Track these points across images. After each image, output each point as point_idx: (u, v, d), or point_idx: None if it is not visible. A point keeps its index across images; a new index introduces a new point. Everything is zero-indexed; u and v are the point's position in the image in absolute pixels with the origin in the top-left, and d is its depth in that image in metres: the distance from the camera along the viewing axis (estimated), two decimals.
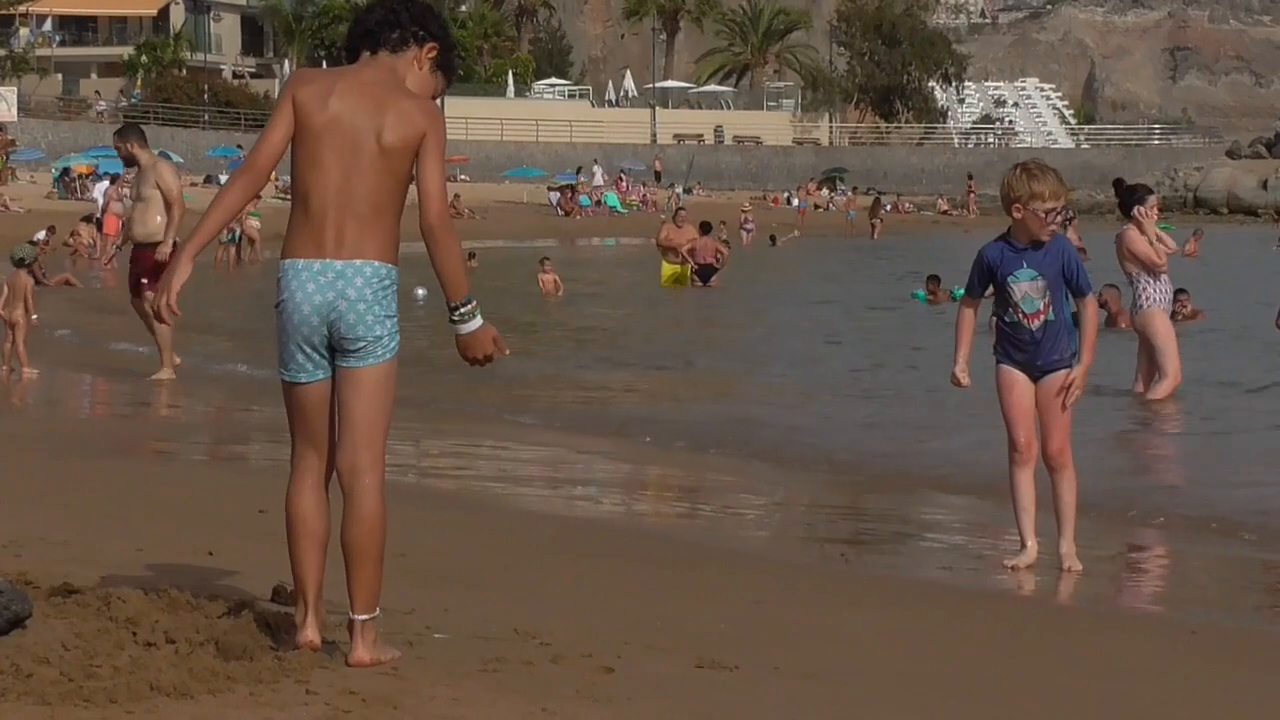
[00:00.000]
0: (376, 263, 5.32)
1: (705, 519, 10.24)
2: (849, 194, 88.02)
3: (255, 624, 5.57)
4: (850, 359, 20.18)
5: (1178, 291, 22.94)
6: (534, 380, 17.06)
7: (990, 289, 8.46)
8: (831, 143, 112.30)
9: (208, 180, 68.98)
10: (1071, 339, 8.42)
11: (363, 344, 5.32)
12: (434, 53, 5.55)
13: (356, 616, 5.36)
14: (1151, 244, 15.42)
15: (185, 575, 6.40)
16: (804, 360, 20.08)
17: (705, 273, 33.98)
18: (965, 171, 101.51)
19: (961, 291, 30.51)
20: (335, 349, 5.35)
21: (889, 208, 78.83)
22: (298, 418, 5.43)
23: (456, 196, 70.74)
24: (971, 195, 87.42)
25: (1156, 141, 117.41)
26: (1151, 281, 15.38)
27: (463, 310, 5.34)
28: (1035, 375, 8.38)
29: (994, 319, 8.60)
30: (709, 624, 6.53)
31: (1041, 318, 8.31)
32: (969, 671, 6.10)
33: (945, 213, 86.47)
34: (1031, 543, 8.39)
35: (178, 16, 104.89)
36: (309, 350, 5.34)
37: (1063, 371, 8.35)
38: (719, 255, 34.61)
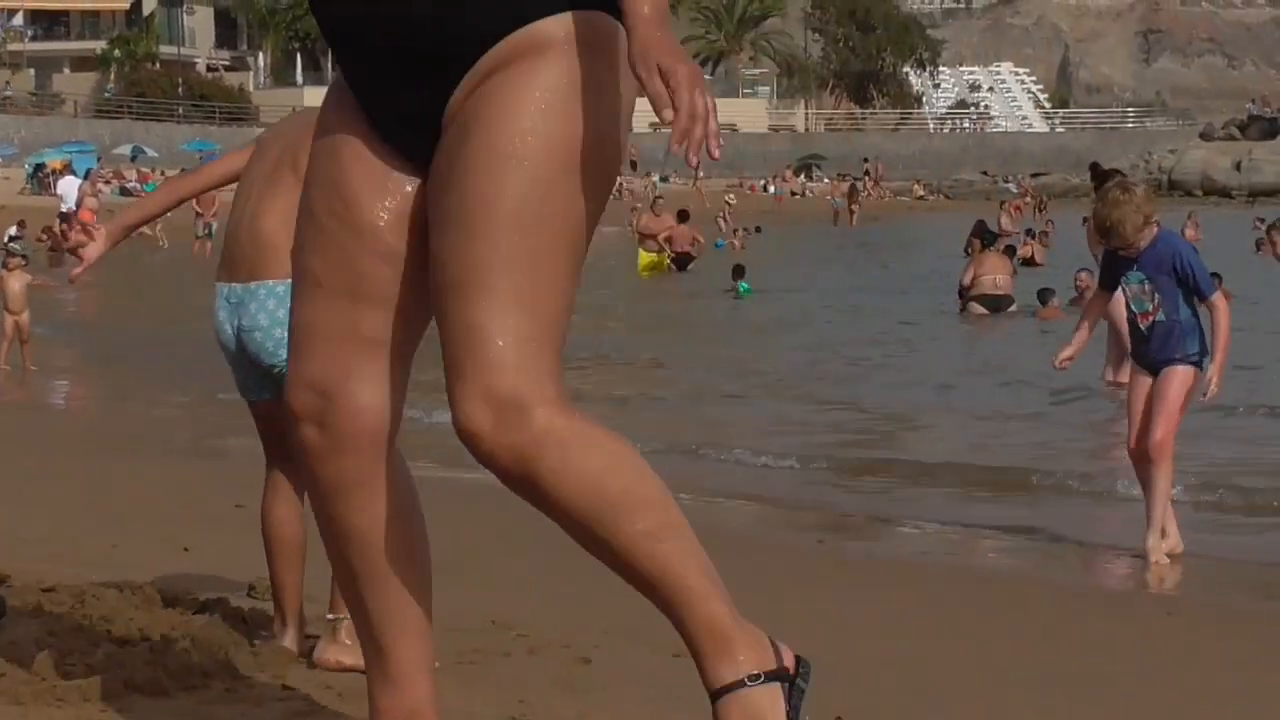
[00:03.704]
0: None
1: (682, 506, 10.21)
2: (832, 181, 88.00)
3: (232, 620, 5.55)
4: (835, 345, 20.20)
5: None
6: None
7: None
8: (808, 129, 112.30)
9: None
10: (1191, 339, 8.31)
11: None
12: None
13: (330, 615, 5.34)
14: None
15: (161, 571, 6.37)
16: (785, 351, 20.10)
17: (682, 261, 34.00)
18: (943, 156, 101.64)
19: (746, 287, 30.66)
20: None
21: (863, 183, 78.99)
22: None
23: None
24: (868, 178, 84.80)
25: (1131, 124, 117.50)
26: None
27: None
28: (1155, 370, 8.35)
29: None
30: None
31: (1150, 318, 8.29)
32: (949, 654, 6.09)
33: (921, 198, 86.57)
34: (1158, 533, 8.33)
35: (150, 9, 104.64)
36: None
37: (1183, 367, 8.29)
38: (696, 243, 34.64)
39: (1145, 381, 8.39)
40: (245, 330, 5.26)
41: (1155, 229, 8.36)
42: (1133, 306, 8.37)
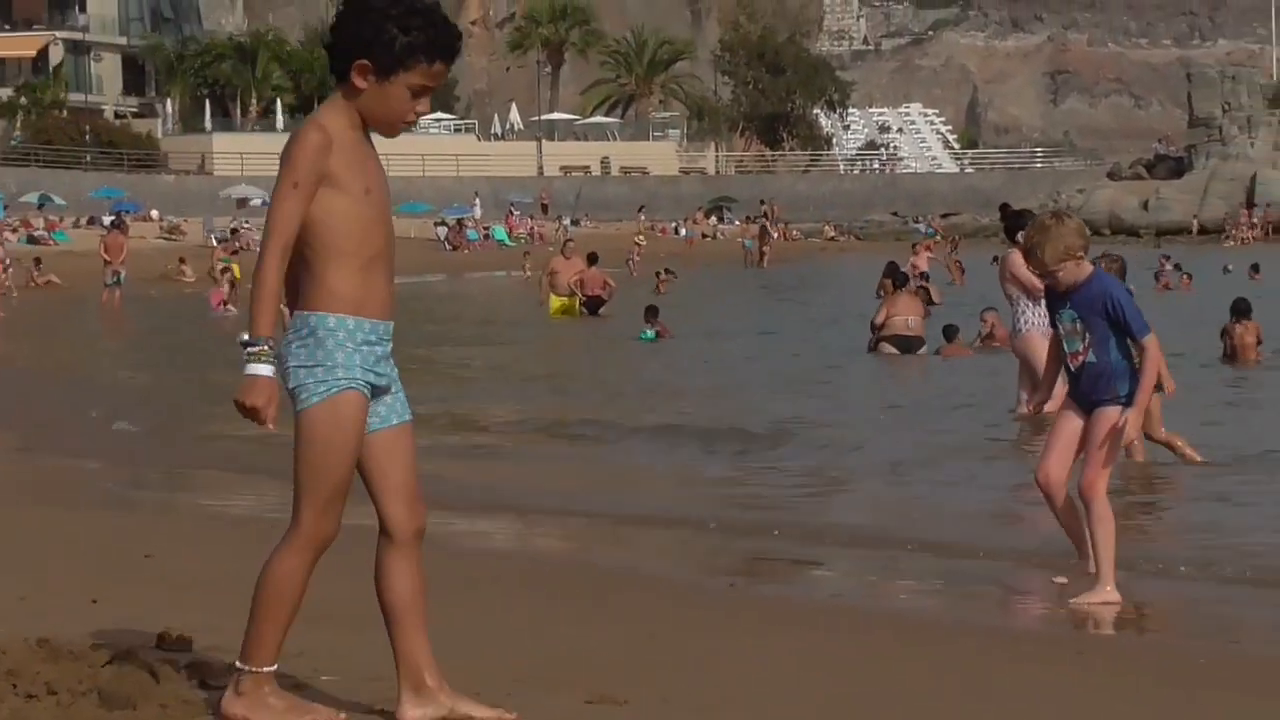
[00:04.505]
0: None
1: (596, 549, 10.21)
2: (739, 223, 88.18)
3: (139, 672, 5.49)
4: (770, 389, 20.22)
5: None
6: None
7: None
8: (718, 171, 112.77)
9: (90, 222, 68.27)
10: (1122, 381, 8.26)
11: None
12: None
13: (238, 664, 5.27)
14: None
15: (68, 623, 6.30)
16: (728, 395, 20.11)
17: (593, 304, 34.00)
18: (853, 197, 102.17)
19: (647, 334, 30.81)
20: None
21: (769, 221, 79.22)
22: None
23: None
24: (767, 220, 79.68)
25: (1039, 164, 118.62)
26: (1031, 305, 15.52)
27: (250, 350, 5.02)
28: (1087, 409, 8.33)
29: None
30: (600, 656, 6.51)
31: (1080, 359, 8.25)
32: (860, 696, 6.10)
33: (832, 239, 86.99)
34: (1088, 564, 8.42)
35: (57, 56, 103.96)
36: None
37: (1113, 408, 8.24)
38: (607, 287, 34.65)
39: (1071, 416, 8.37)
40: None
41: (1088, 268, 8.33)
42: (1064, 345, 8.36)
